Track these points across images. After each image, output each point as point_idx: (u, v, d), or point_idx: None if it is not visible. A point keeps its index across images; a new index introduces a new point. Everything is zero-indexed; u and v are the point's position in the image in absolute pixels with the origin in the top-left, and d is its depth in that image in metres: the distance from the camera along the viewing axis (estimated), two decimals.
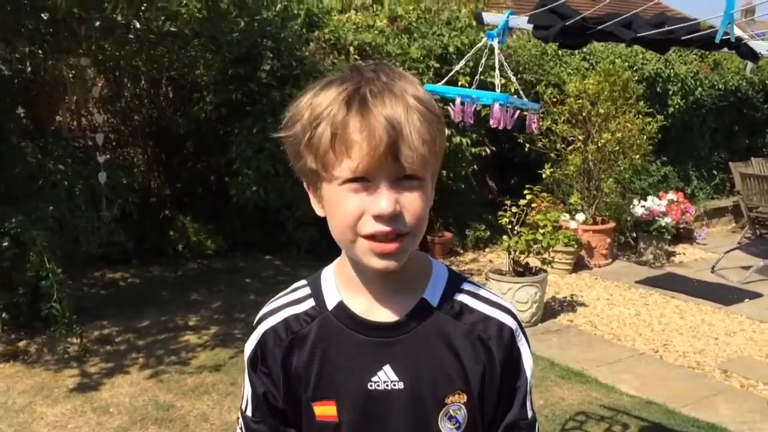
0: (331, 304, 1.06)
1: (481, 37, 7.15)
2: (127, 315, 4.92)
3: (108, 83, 6.37)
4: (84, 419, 3.56)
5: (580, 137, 6.76)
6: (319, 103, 0.95)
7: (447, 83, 2.91)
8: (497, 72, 2.51)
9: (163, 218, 6.48)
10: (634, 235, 7.27)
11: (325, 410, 1.04)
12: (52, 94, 5.20)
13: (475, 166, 6.96)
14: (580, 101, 6.67)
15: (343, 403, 1.03)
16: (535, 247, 5.15)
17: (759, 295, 5.93)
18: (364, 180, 0.93)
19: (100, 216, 5.07)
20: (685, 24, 1.86)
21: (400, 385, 1.02)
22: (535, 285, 5.10)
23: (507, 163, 7.66)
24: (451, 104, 2.39)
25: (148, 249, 6.15)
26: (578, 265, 6.61)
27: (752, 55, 1.86)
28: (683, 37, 1.87)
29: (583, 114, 6.69)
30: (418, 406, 1.03)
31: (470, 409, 1.04)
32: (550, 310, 5.43)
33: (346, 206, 0.95)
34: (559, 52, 7.92)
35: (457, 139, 6.50)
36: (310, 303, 1.07)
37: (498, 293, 1.13)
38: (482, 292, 1.10)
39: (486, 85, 6.21)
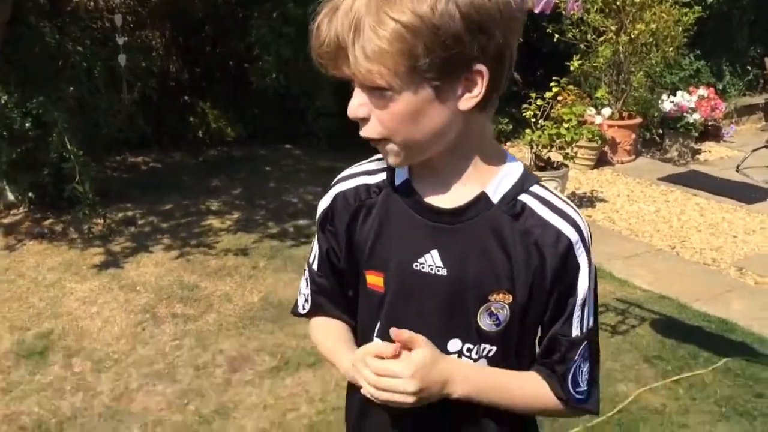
0: (398, 180, 1.07)
1: None
2: (150, 199, 5.00)
3: None
4: (112, 295, 3.70)
5: (613, 28, 6.49)
6: None
7: None
8: None
9: (182, 104, 6.45)
10: (660, 131, 7.12)
11: (375, 280, 1.07)
12: None
13: None
14: None
15: (389, 276, 1.06)
16: (558, 141, 5.09)
17: None
18: (352, 80, 0.95)
19: (120, 99, 5.04)
20: None
21: (443, 272, 1.03)
22: (555, 179, 5.07)
23: (534, 53, 7.41)
24: None
25: (168, 134, 6.16)
26: (601, 161, 6.54)
27: None
28: None
29: (618, 3, 6.39)
30: (458, 296, 1.03)
31: (513, 311, 1.03)
32: None
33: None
34: None
35: None
36: (383, 176, 1.09)
37: (570, 202, 1.06)
38: (550, 197, 1.04)
39: None
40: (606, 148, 6.56)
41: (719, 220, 5.31)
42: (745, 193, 5.87)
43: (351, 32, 0.88)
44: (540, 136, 5.03)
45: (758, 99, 8.72)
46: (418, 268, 1.03)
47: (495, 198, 1.02)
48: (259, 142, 6.46)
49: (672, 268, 4.43)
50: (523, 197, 1.03)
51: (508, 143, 7.11)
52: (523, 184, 1.04)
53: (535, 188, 1.05)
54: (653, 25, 6.26)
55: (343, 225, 1.10)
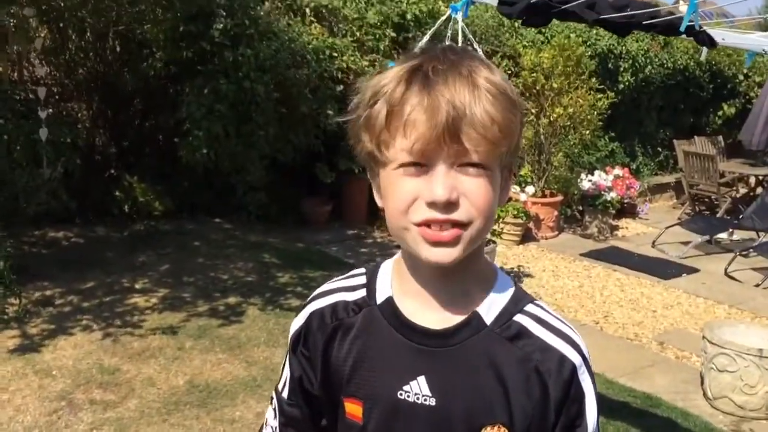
0: (380, 298, 0.97)
1: (439, 6, 7.07)
2: (71, 276, 4.79)
3: (52, 34, 6.10)
4: (25, 382, 3.48)
5: (533, 111, 6.83)
6: (380, 81, 0.89)
7: None
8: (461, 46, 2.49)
9: (108, 177, 6.31)
10: (580, 208, 7.44)
11: (353, 409, 0.97)
12: None
13: None
14: (535, 74, 6.73)
15: (370, 406, 0.95)
16: None
17: (696, 270, 6.17)
18: (420, 165, 0.85)
19: (40, 173, 4.89)
20: (648, 10, 1.89)
21: (432, 402, 0.92)
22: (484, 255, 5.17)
23: None
24: None
25: (92, 208, 5.98)
26: (526, 237, 6.74)
27: (710, 43, 1.90)
28: (645, 22, 1.89)
29: (537, 88, 6.76)
30: (447, 430, 0.92)
31: None
32: None
33: (399, 191, 0.87)
34: (516, 24, 7.93)
35: None
36: (362, 293, 0.99)
37: (567, 321, 0.98)
38: (547, 318, 0.95)
39: None
40: (531, 225, 6.78)
41: (639, 296, 5.52)
42: (661, 269, 6.15)
43: (473, 101, 0.84)
44: None
45: (669, 178, 9.27)
46: (403, 397, 0.93)
47: (488, 318, 0.93)
48: (187, 217, 6.35)
49: (597, 343, 4.54)
50: (519, 318, 0.94)
51: None
52: (517, 302, 0.95)
53: (530, 307, 0.96)
54: (570, 110, 6.64)
55: (319, 347, 0.99)
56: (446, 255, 0.87)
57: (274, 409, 1.07)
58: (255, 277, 5.09)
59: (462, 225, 0.86)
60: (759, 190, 8.54)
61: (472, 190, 0.85)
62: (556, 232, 7.03)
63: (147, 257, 5.34)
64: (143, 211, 6.20)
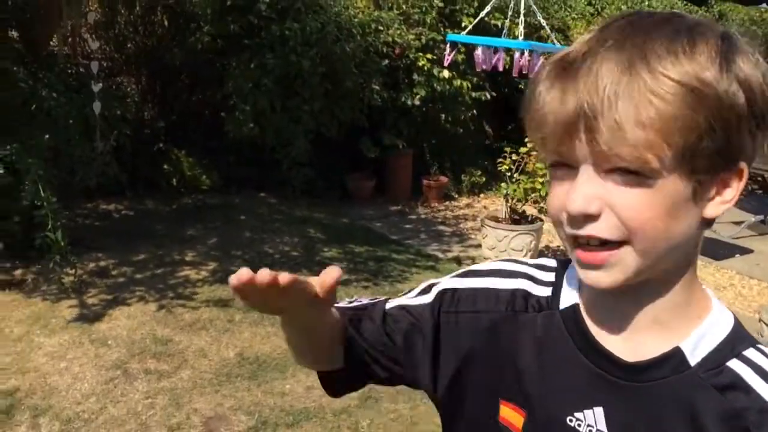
0: (564, 303, 0.83)
1: None
2: (123, 248, 4.90)
3: (102, 9, 6.17)
4: (82, 350, 3.58)
5: None
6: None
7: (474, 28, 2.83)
8: (522, 18, 2.44)
9: (157, 151, 6.40)
10: None
11: (512, 415, 0.83)
12: (48, 17, 5.03)
13: (474, 111, 6.88)
14: None
15: (532, 420, 0.81)
16: (532, 195, 5.15)
17: (750, 251, 6.00)
18: (567, 166, 0.70)
19: (94, 147, 4.98)
20: None
21: None
22: (531, 233, 5.12)
23: (505, 108, 7.58)
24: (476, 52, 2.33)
25: (142, 181, 6.09)
26: None
27: None
28: None
29: None
30: None
31: None
32: None
33: (550, 197, 0.74)
34: None
35: (457, 83, 6.41)
36: (548, 291, 0.85)
37: None
38: None
39: (489, 28, 6.09)
40: None
41: None
42: (713, 250, 6.00)
43: (611, 95, 0.65)
44: (515, 190, 5.10)
45: None
46: (573, 424, 0.78)
47: (693, 358, 0.75)
48: (233, 191, 6.42)
49: None
50: (734, 364, 0.75)
51: (482, 195, 7.19)
52: (734, 344, 0.76)
53: (750, 353, 0.76)
54: None
55: (474, 326, 0.85)
56: (598, 279, 0.73)
57: (385, 312, 0.91)
58: (301, 252, 5.13)
59: (614, 244, 0.70)
60: None
61: (622, 201, 0.68)
62: None
63: (196, 230, 5.42)
64: (190, 185, 6.29)
